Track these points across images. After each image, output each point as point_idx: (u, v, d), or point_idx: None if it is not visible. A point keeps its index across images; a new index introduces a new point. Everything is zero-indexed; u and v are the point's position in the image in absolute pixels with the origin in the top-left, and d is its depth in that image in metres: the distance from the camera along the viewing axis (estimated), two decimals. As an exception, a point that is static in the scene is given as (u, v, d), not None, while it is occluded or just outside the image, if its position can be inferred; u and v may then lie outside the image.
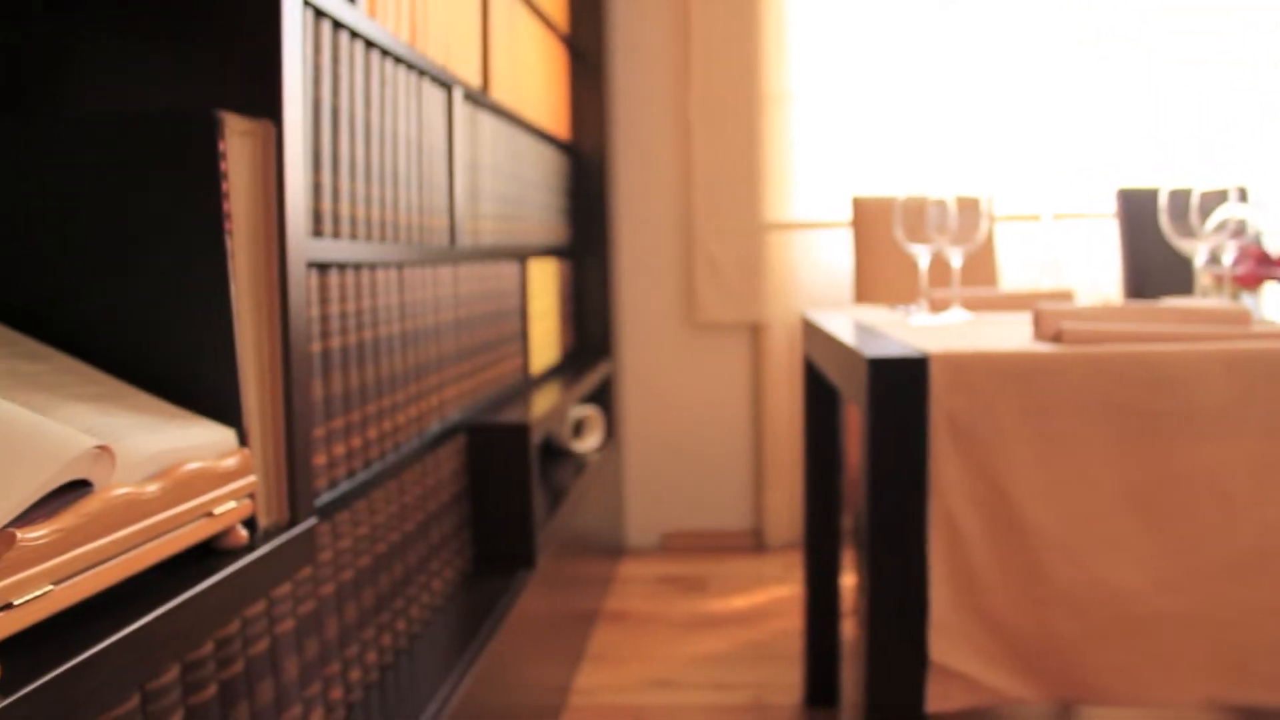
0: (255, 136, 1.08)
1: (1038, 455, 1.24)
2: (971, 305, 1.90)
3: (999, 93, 3.16)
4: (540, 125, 2.69)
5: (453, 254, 1.88)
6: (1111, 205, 2.74)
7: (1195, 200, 1.66)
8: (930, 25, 3.18)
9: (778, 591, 2.92)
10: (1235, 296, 1.68)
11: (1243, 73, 3.10)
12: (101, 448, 0.79)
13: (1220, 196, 1.65)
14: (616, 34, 3.30)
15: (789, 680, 2.30)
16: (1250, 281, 1.65)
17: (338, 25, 1.39)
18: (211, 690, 1.01)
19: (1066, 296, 1.99)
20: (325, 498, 1.32)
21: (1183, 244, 1.69)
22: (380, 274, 1.53)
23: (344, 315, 1.40)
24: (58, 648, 0.74)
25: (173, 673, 0.94)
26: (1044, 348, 1.27)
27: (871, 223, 2.78)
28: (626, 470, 3.37)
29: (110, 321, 1.05)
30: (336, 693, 1.34)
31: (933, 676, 1.25)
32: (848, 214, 2.90)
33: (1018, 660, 1.27)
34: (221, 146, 1.02)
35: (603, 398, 3.19)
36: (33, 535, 0.71)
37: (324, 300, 1.34)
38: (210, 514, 0.95)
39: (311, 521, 1.17)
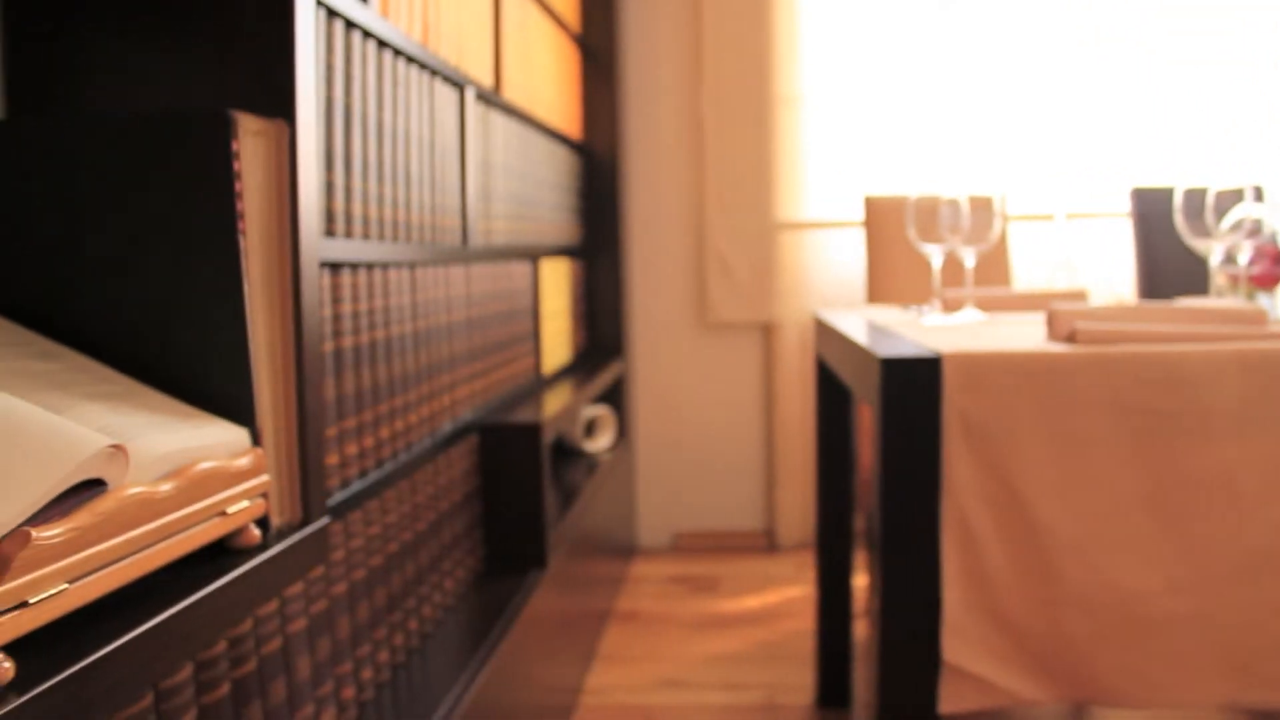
0: (268, 136, 1.08)
1: (1051, 456, 1.24)
2: (985, 305, 1.89)
3: (1010, 92, 3.15)
4: (552, 125, 2.69)
5: (465, 254, 1.88)
6: (1125, 204, 2.73)
7: (1210, 199, 1.65)
8: (941, 26, 3.17)
9: (789, 592, 2.92)
10: (1251, 296, 1.67)
11: (1248, 72, 3.09)
12: (116, 447, 0.79)
13: (1236, 196, 1.64)
14: (628, 33, 3.30)
15: (801, 680, 2.29)
16: (1266, 281, 1.64)
17: (350, 25, 1.39)
18: (224, 689, 1.01)
19: (1080, 296, 1.98)
20: (337, 497, 1.32)
21: (1198, 243, 1.69)
22: (392, 273, 1.53)
23: (356, 315, 1.40)
24: (72, 646, 0.74)
25: (186, 671, 0.94)
26: (1058, 348, 1.27)
27: (884, 222, 2.77)
28: (638, 470, 3.37)
29: (123, 321, 1.05)
30: (349, 692, 1.34)
31: (945, 677, 1.25)
32: (860, 214, 2.89)
33: (1030, 661, 1.26)
34: (234, 146, 1.02)
35: (614, 397, 3.19)
36: (47, 534, 0.71)
37: (336, 300, 1.34)
38: (223, 513, 0.96)
39: (324, 521, 1.17)
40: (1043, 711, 2.05)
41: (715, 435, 3.37)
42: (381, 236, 1.50)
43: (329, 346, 1.32)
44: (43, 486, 0.72)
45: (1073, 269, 3.12)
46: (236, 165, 1.02)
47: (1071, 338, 1.32)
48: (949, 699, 1.25)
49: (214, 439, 0.97)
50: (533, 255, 2.44)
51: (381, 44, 1.50)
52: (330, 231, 1.34)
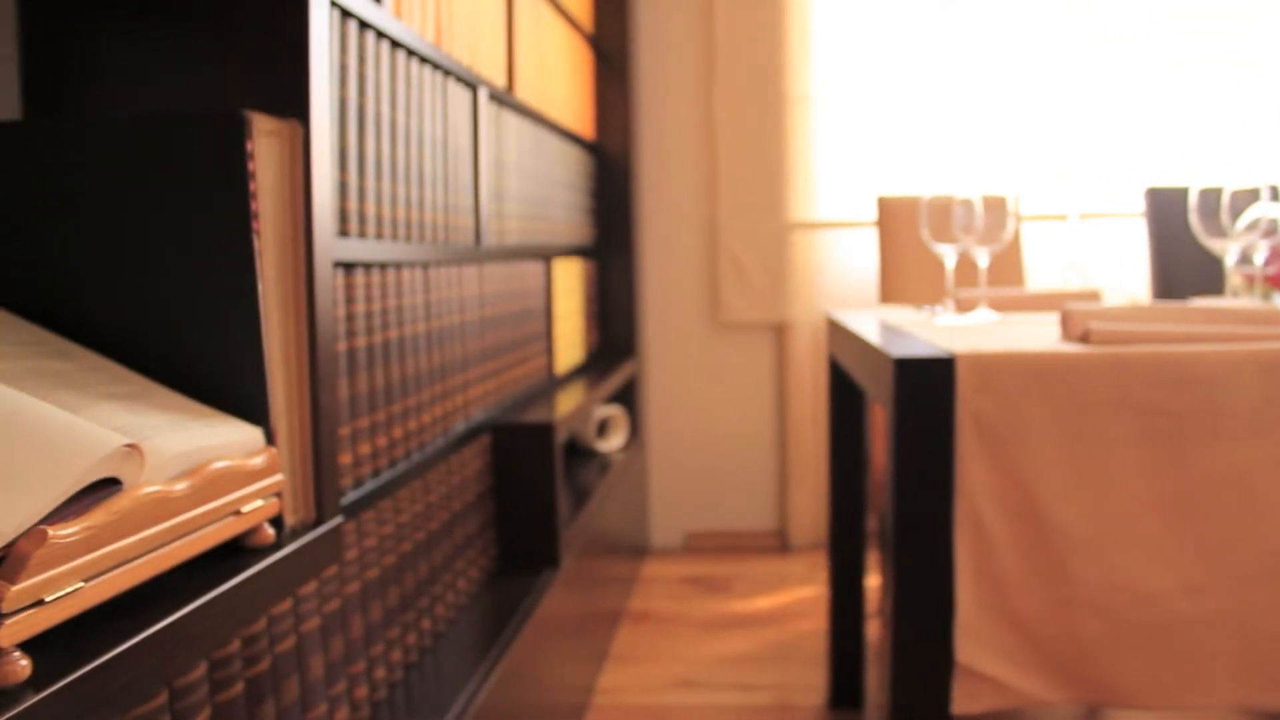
0: (282, 136, 1.08)
1: (1065, 456, 1.23)
2: (998, 305, 1.89)
3: (1022, 92, 3.15)
4: (565, 125, 2.69)
5: (478, 254, 1.88)
6: (1139, 204, 2.72)
7: (1226, 199, 1.64)
8: (952, 26, 3.16)
9: (802, 592, 2.91)
10: (1266, 297, 1.66)
11: (1257, 72, 3.07)
12: (131, 446, 0.80)
13: (1251, 195, 1.64)
14: (641, 34, 3.30)
15: (813, 681, 2.29)
16: (1281, 281, 1.64)
17: (364, 25, 1.39)
18: (238, 688, 1.02)
19: (1094, 296, 1.98)
20: (351, 496, 1.32)
21: (1213, 243, 1.68)
22: (406, 273, 1.54)
23: (370, 315, 1.40)
24: (87, 644, 0.75)
25: (200, 670, 0.94)
26: (1071, 348, 1.27)
27: (897, 222, 2.77)
28: (650, 470, 3.37)
29: (138, 320, 1.05)
30: (362, 691, 1.34)
31: (958, 678, 1.25)
32: (872, 214, 2.89)
33: (1043, 662, 1.26)
34: (249, 146, 1.02)
35: (627, 397, 3.19)
36: (64, 533, 0.71)
37: (350, 300, 1.35)
38: (238, 512, 0.96)
39: (337, 520, 1.18)
40: (1056, 712, 2.04)
41: (728, 435, 3.36)
42: (395, 236, 1.51)
43: (342, 346, 1.32)
44: (59, 485, 0.73)
45: (1086, 269, 3.11)
46: (251, 165, 1.02)
47: (1085, 338, 1.32)
48: (962, 700, 1.25)
49: (228, 438, 0.97)
50: (545, 255, 2.44)
51: (395, 44, 1.51)
52: (344, 231, 1.34)
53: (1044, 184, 3.14)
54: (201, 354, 1.05)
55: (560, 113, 2.67)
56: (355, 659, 1.33)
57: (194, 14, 1.12)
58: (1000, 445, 1.23)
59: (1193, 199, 1.68)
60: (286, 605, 1.13)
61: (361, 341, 1.38)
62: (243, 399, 1.04)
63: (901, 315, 1.92)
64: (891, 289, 2.78)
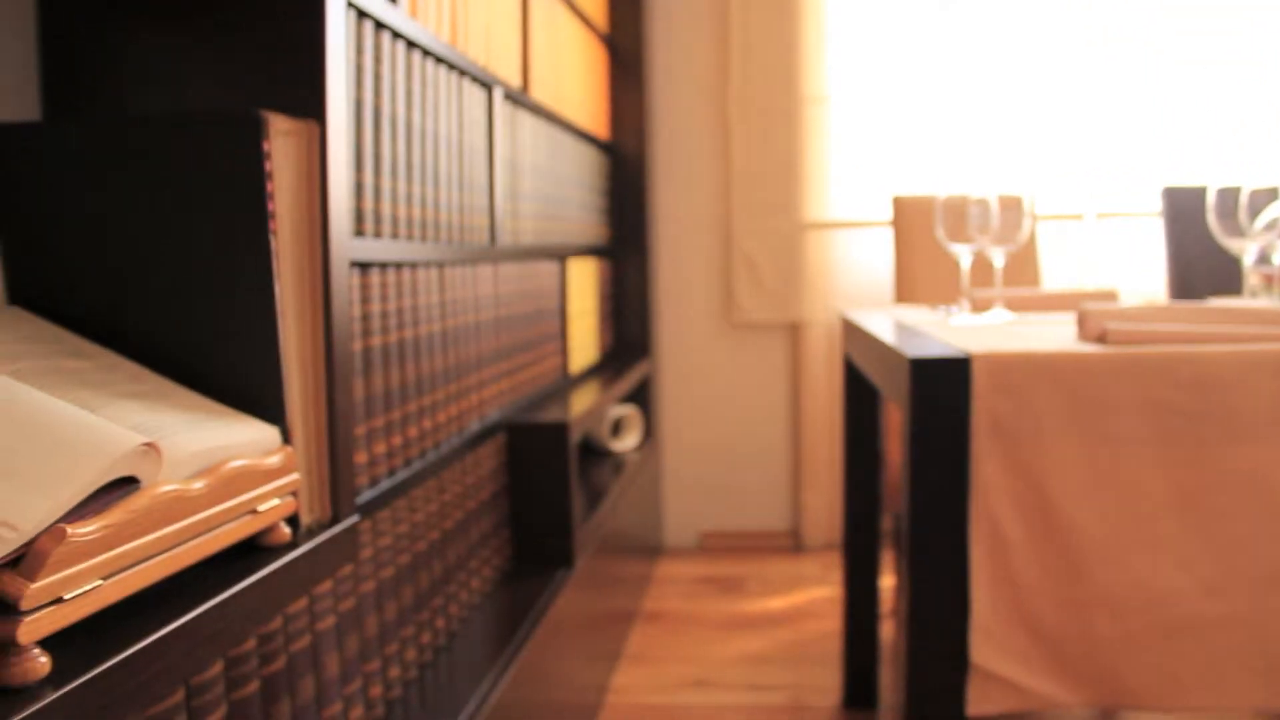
0: (299, 136, 1.09)
1: (1081, 457, 1.23)
2: (1014, 305, 1.88)
3: (1036, 92, 3.13)
4: (580, 125, 2.70)
5: (493, 253, 1.89)
6: (1155, 204, 2.70)
7: (1244, 199, 1.63)
8: (966, 26, 3.15)
9: (816, 592, 2.91)
10: (1284, 297, 1.65)
11: (1266, 72, 3.06)
12: (149, 445, 0.80)
13: (1270, 195, 1.63)
14: (656, 33, 3.30)
15: (827, 681, 2.29)
16: (1300, 282, 1.63)
17: (379, 26, 1.39)
18: (254, 686, 1.02)
19: (1110, 296, 1.97)
20: (366, 495, 1.33)
21: (1231, 243, 1.67)
22: (421, 273, 1.54)
23: (385, 314, 1.41)
24: (106, 642, 0.75)
25: (216, 668, 0.95)
26: (1088, 348, 1.26)
27: (912, 222, 2.76)
28: (664, 470, 3.37)
29: (156, 319, 1.06)
30: (376, 689, 1.35)
31: (973, 679, 1.24)
32: (887, 213, 2.88)
33: (1059, 663, 1.25)
34: (266, 146, 1.02)
35: (641, 397, 3.19)
36: (82, 531, 0.72)
37: (365, 299, 1.35)
38: (254, 511, 0.96)
39: (353, 519, 1.18)
40: (1071, 714, 2.03)
41: (742, 435, 3.36)
42: (410, 236, 1.51)
43: (358, 345, 1.32)
44: (77, 484, 0.73)
45: (1102, 269, 3.10)
46: (268, 165, 1.03)
47: (1102, 338, 1.31)
48: (977, 701, 1.25)
49: (245, 437, 0.98)
50: (560, 255, 2.45)
51: (410, 44, 1.51)
52: (360, 231, 1.34)
53: (1060, 183, 3.13)
54: (218, 353, 1.05)
55: (575, 112, 2.68)
56: (370, 657, 1.33)
57: (211, 15, 1.13)
58: (1016, 445, 1.23)
59: (1211, 198, 1.67)
60: (302, 604, 1.13)
61: (377, 341, 1.38)
62: (259, 398, 1.05)
63: (917, 315, 1.92)
64: (906, 289, 2.77)
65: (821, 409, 3.28)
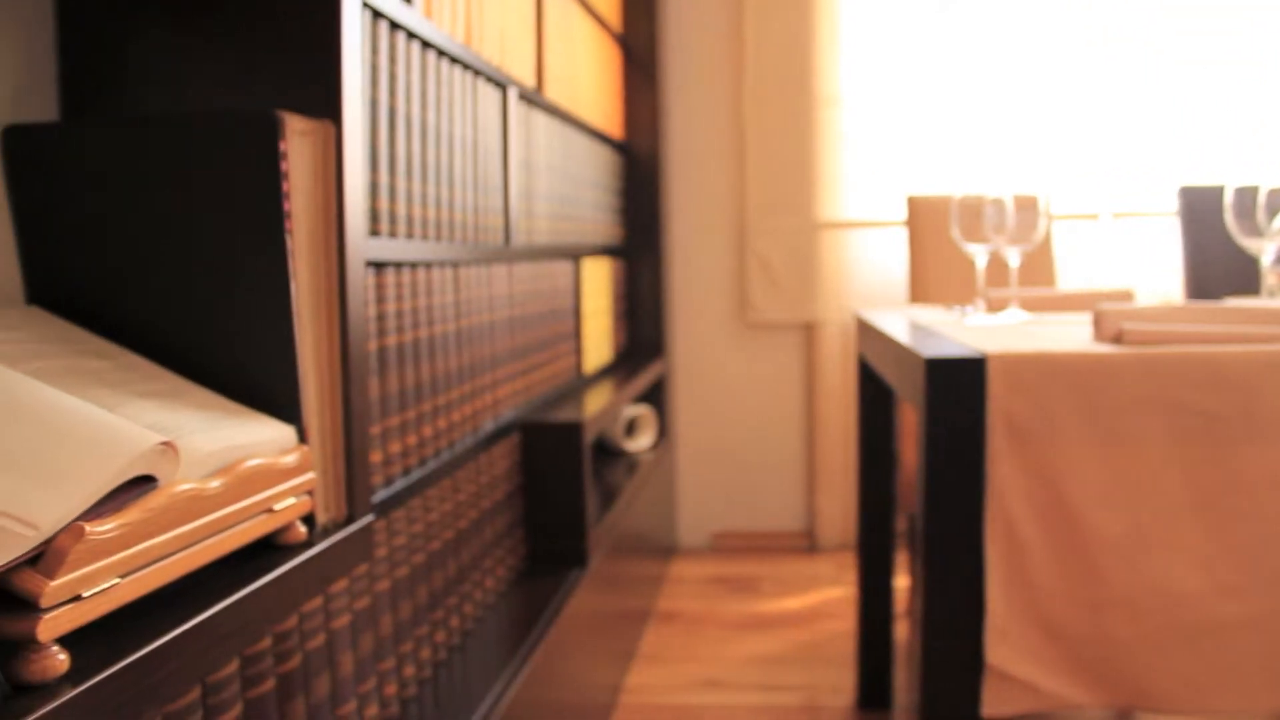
0: (315, 136, 1.09)
1: (1097, 457, 1.22)
2: (1029, 305, 1.87)
3: (1051, 91, 3.12)
4: (594, 124, 2.70)
5: (507, 253, 1.89)
6: (1170, 203, 2.69)
7: (1262, 198, 1.63)
8: (982, 25, 3.14)
9: (830, 593, 2.90)
10: (1302, 297, 1.64)
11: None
12: (166, 444, 0.80)
13: (1288, 194, 1.62)
14: (670, 33, 3.30)
15: (841, 682, 2.28)
16: (1318, 281, 1.62)
17: (395, 26, 1.40)
18: (270, 684, 1.02)
19: (1126, 296, 1.96)
20: (381, 494, 1.33)
21: (1248, 242, 1.66)
22: (436, 273, 1.54)
23: (400, 314, 1.41)
24: (124, 640, 0.75)
25: (232, 666, 0.95)
26: (1104, 349, 1.26)
27: (927, 222, 2.75)
28: (678, 470, 3.37)
29: (173, 319, 1.06)
30: (391, 688, 1.35)
31: (989, 680, 1.24)
32: (902, 213, 2.87)
33: (1075, 665, 1.25)
34: (282, 146, 1.03)
35: (655, 397, 3.19)
36: (100, 529, 0.72)
37: (381, 299, 1.35)
38: (270, 510, 0.97)
39: (369, 518, 1.18)
40: (1087, 715, 2.02)
41: (756, 435, 3.36)
42: (425, 236, 1.51)
43: (373, 345, 1.33)
44: (96, 482, 0.73)
45: (1118, 269, 3.09)
46: (284, 165, 1.03)
47: (1118, 338, 1.31)
48: (992, 702, 1.24)
49: (261, 436, 0.98)
50: (574, 255, 2.45)
51: (425, 44, 1.51)
52: (375, 231, 1.35)
53: (1075, 183, 3.12)
54: (235, 352, 1.05)
55: (589, 112, 2.68)
56: (385, 656, 1.34)
57: (227, 15, 1.13)
58: (1032, 446, 1.22)
59: (1228, 198, 1.66)
60: (317, 602, 1.13)
61: (392, 340, 1.38)
62: (275, 397, 1.05)
63: (931, 315, 1.91)
64: (921, 289, 2.76)
65: (836, 409, 3.27)
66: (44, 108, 1.14)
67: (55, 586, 0.68)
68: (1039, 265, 2.72)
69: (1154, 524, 1.22)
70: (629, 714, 2.17)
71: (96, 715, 0.69)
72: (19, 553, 0.67)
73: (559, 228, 2.31)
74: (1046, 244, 2.73)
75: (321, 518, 1.11)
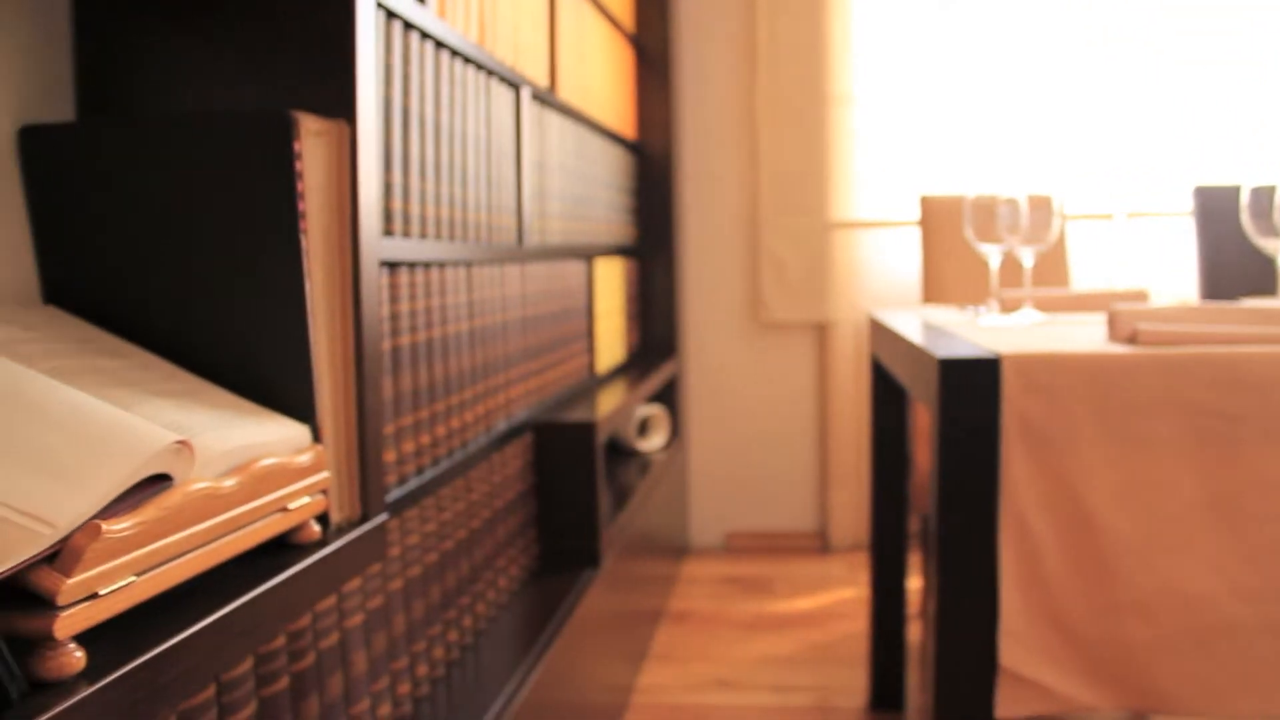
0: (329, 136, 1.09)
1: (1112, 458, 1.22)
2: (1043, 306, 1.87)
3: (1066, 91, 3.11)
4: (607, 124, 2.70)
5: (520, 253, 1.89)
6: (1186, 203, 2.68)
7: (1279, 198, 1.62)
8: (995, 24, 3.13)
9: (843, 593, 2.90)
10: (1318, 297, 1.63)
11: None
12: (181, 443, 0.81)
13: (1304, 194, 1.61)
14: (683, 33, 3.30)
15: (853, 683, 2.28)
16: (1334, 282, 1.61)
17: (408, 26, 1.40)
18: (283, 682, 1.03)
19: (1141, 297, 1.95)
20: (395, 494, 1.33)
21: (1265, 242, 1.65)
22: (449, 272, 1.55)
23: (414, 313, 1.41)
24: (139, 638, 0.76)
25: (246, 664, 0.95)
26: (1119, 349, 1.25)
27: (940, 222, 2.75)
28: (691, 470, 3.37)
29: (188, 319, 1.07)
30: (404, 687, 1.35)
31: (1002, 682, 1.24)
32: (915, 213, 2.87)
33: (1090, 667, 1.24)
34: (297, 147, 1.03)
35: (668, 397, 3.19)
36: (117, 527, 0.72)
37: (394, 299, 1.36)
38: (284, 509, 0.97)
39: (382, 518, 1.18)
40: (1100, 718, 2.02)
41: (769, 435, 3.36)
42: (439, 236, 1.52)
43: (387, 345, 1.33)
44: (112, 481, 0.74)
45: (1132, 269, 3.08)
46: (299, 165, 1.03)
47: (1133, 339, 1.30)
48: (1006, 704, 1.24)
49: (276, 436, 0.99)
50: (587, 255, 2.45)
51: (439, 44, 1.51)
52: (389, 231, 1.35)
53: (1089, 183, 3.11)
54: (250, 352, 1.06)
55: (602, 112, 2.68)
56: (398, 655, 1.34)
57: (242, 15, 1.13)
58: (1046, 447, 1.22)
59: (1244, 197, 1.65)
60: (331, 601, 1.14)
61: (405, 340, 1.38)
62: (290, 397, 1.05)
63: (945, 315, 1.91)
64: (934, 289, 2.75)
65: (848, 409, 3.27)
66: (60, 108, 1.15)
67: (72, 584, 0.68)
68: (1053, 265, 2.71)
69: (1169, 525, 1.22)
70: (641, 714, 2.17)
71: (112, 712, 0.70)
72: (36, 551, 0.67)
73: (572, 228, 2.31)
74: (1060, 244, 2.72)
75: (335, 517, 1.12)
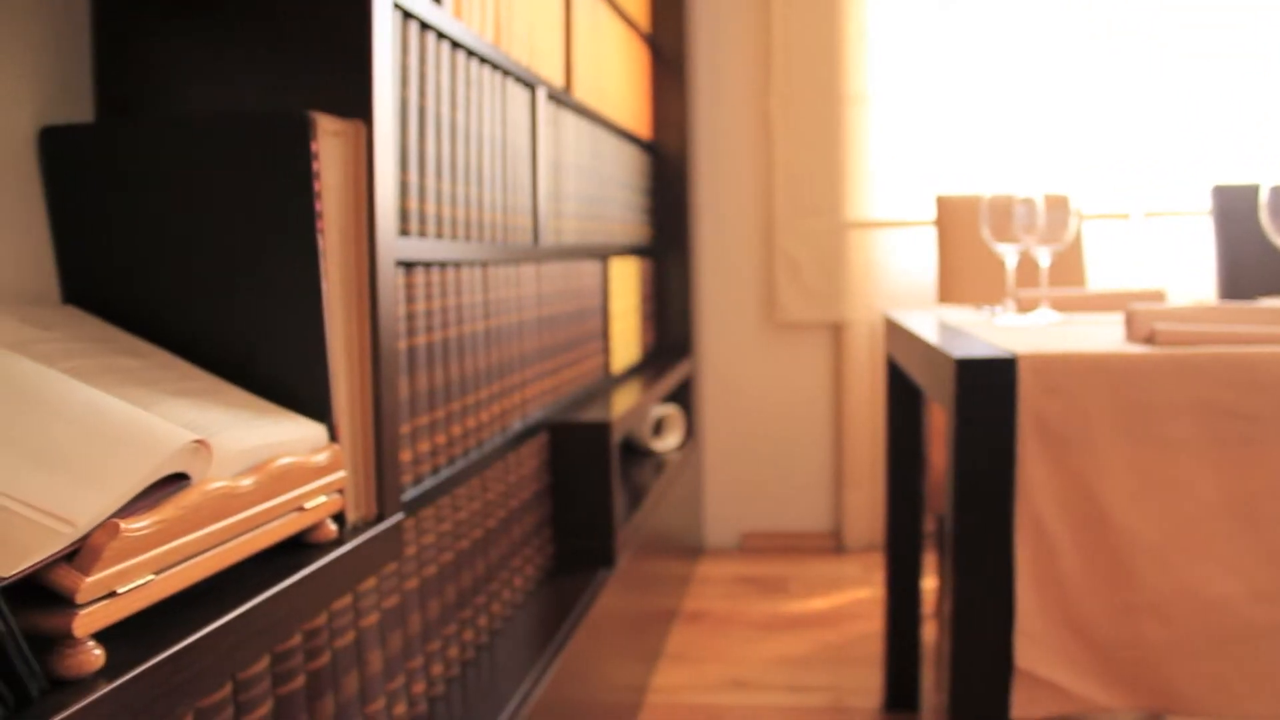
0: (346, 137, 1.10)
1: (1130, 459, 1.21)
2: (1060, 305, 1.86)
3: (1083, 90, 3.10)
4: (622, 124, 2.70)
5: (536, 253, 1.89)
6: (1204, 203, 2.67)
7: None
8: (1010, 23, 3.12)
9: (857, 593, 2.90)
10: (1338, 298, 1.62)
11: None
12: (199, 442, 0.81)
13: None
14: (698, 33, 3.29)
15: (868, 683, 2.28)
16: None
17: (425, 26, 1.40)
18: (299, 681, 1.03)
19: (1158, 296, 1.94)
20: (410, 493, 1.33)
21: (1283, 243, 1.64)
22: (465, 272, 1.55)
23: (430, 313, 1.42)
24: (157, 636, 0.76)
25: (263, 663, 0.96)
26: (1136, 349, 1.25)
27: (956, 222, 2.74)
28: (706, 470, 3.37)
29: (206, 318, 1.07)
30: (419, 686, 1.36)
31: (1018, 683, 1.23)
32: (930, 213, 2.86)
33: (1106, 668, 1.24)
34: (314, 147, 1.03)
35: (683, 397, 3.19)
36: (135, 526, 0.73)
37: (410, 298, 1.36)
38: (301, 508, 0.97)
39: (398, 517, 1.19)
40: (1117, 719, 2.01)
41: (783, 435, 3.35)
42: (454, 236, 1.52)
43: (403, 344, 1.33)
44: (130, 480, 0.74)
45: (1149, 268, 3.06)
46: (316, 165, 1.04)
47: (1151, 339, 1.30)
48: (1021, 705, 1.23)
49: (293, 435, 0.99)
50: (602, 254, 2.45)
51: (455, 45, 1.52)
52: (405, 231, 1.35)
53: (1106, 182, 3.09)
54: (267, 352, 1.06)
55: (617, 112, 2.68)
56: (413, 654, 1.34)
57: (260, 16, 1.14)
58: (1063, 447, 1.22)
59: (1264, 196, 1.64)
60: (347, 601, 1.14)
61: (421, 340, 1.39)
62: (307, 396, 1.06)
63: (961, 315, 1.90)
64: (950, 289, 2.74)
65: (863, 409, 3.26)
66: (80, 109, 1.15)
67: (91, 583, 0.69)
68: (1069, 265, 2.70)
69: (1187, 527, 1.21)
70: (655, 714, 2.17)
71: (131, 710, 0.70)
72: (56, 549, 0.67)
73: (587, 227, 2.31)
74: (1077, 244, 2.71)
75: (351, 516, 1.12)
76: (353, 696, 1.15)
